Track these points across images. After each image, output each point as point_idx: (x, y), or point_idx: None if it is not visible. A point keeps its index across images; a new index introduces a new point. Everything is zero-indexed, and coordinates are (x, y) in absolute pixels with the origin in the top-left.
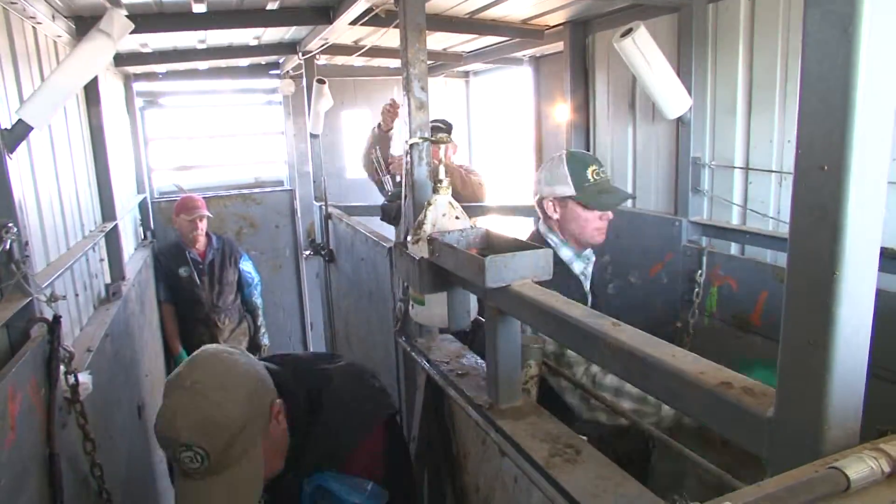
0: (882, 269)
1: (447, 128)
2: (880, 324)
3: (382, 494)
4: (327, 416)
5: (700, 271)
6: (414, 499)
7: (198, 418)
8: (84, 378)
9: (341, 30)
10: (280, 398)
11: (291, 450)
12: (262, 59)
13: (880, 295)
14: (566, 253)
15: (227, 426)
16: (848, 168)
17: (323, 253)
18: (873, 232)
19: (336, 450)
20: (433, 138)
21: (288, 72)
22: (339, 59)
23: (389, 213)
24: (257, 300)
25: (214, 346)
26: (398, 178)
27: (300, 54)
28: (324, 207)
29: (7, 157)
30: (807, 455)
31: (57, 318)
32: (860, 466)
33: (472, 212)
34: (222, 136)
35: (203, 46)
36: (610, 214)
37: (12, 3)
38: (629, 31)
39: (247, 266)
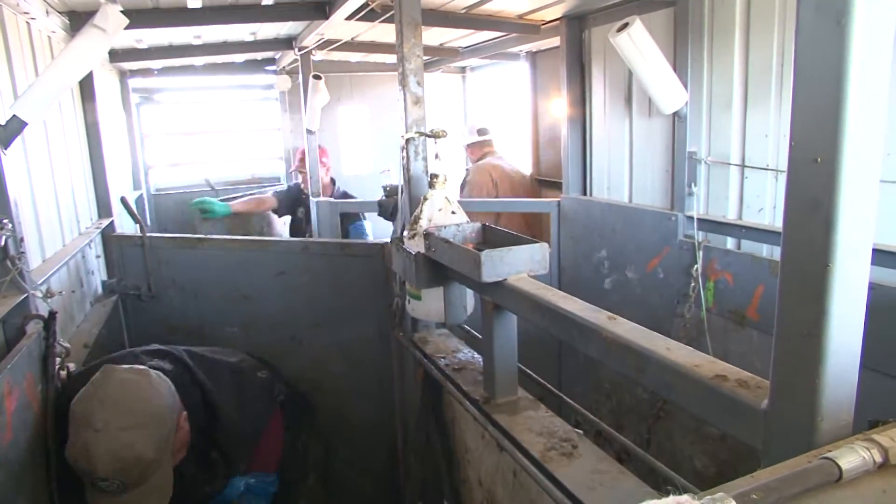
0: (875, 263)
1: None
2: (874, 317)
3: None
4: (225, 423)
5: (696, 266)
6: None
7: (112, 457)
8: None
9: (337, 25)
10: (184, 410)
11: (200, 456)
12: (258, 55)
13: (874, 289)
14: None
15: (141, 460)
16: (841, 160)
17: None
18: (866, 224)
19: (241, 452)
20: (428, 133)
21: (284, 67)
22: (336, 55)
23: (386, 209)
24: None
25: (119, 371)
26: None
27: (296, 50)
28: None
29: (2, 153)
30: (801, 446)
31: (52, 314)
32: (852, 457)
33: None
34: (219, 132)
35: (199, 42)
36: None
37: None
38: (625, 25)
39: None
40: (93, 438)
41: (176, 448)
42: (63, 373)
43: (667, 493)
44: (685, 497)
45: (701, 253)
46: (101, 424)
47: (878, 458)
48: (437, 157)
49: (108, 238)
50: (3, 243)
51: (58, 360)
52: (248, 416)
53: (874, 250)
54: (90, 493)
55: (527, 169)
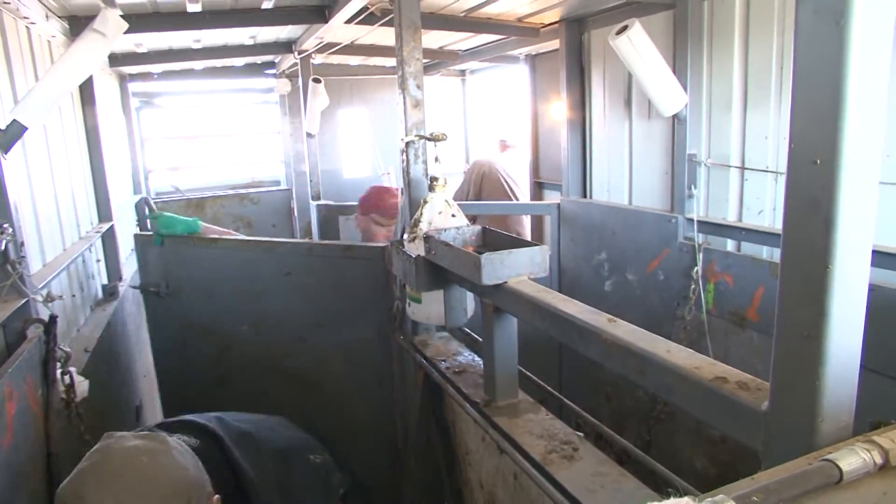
0: (875, 264)
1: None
2: (874, 319)
3: None
4: None
5: (697, 268)
6: None
7: None
8: (79, 379)
9: (337, 28)
10: (215, 494)
11: None
12: (258, 59)
13: (874, 290)
14: None
15: None
16: (840, 162)
17: None
18: (866, 225)
19: None
20: (428, 136)
21: (284, 71)
22: (335, 59)
23: None
24: None
25: (124, 439)
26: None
27: (296, 53)
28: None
29: (2, 158)
30: (801, 448)
31: (53, 319)
32: (853, 459)
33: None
34: (218, 135)
35: (198, 46)
36: None
37: (6, 3)
38: (625, 28)
39: None
40: None
41: None
42: (66, 378)
43: (667, 496)
44: (685, 499)
45: (701, 255)
46: None
47: (879, 460)
48: (436, 160)
49: (137, 238)
50: (3, 248)
51: (58, 364)
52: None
53: (874, 252)
54: None
55: (523, 171)
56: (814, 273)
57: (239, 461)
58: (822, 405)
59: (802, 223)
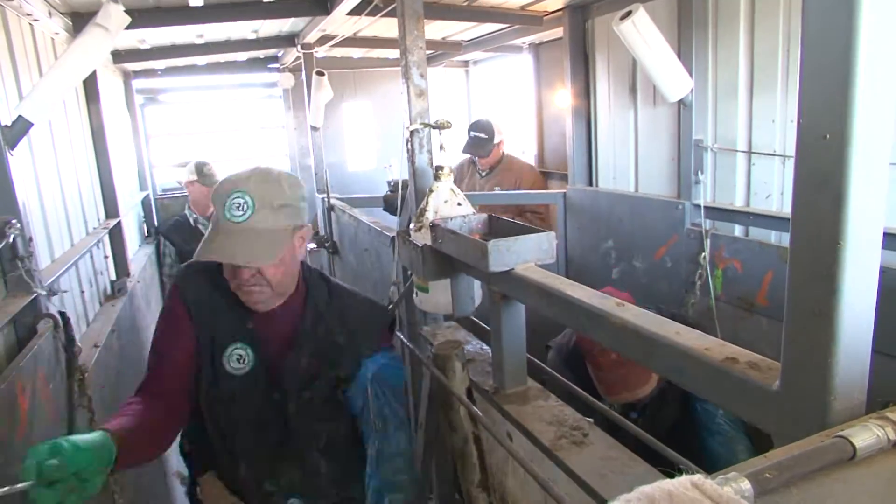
0: (886, 246)
1: (489, 135)
2: (884, 301)
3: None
4: (350, 304)
5: (704, 254)
6: None
7: (260, 180)
8: (90, 374)
9: (339, 20)
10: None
11: (327, 342)
12: (261, 53)
13: (884, 272)
14: None
15: (278, 192)
16: (850, 136)
17: (327, 245)
18: (876, 200)
19: (368, 333)
20: (433, 124)
21: (287, 65)
22: (339, 52)
23: (392, 204)
24: None
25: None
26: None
27: (299, 47)
28: (326, 200)
29: (8, 154)
30: (813, 426)
31: (65, 317)
32: (866, 435)
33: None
34: (223, 131)
35: (201, 41)
36: None
37: (9, 0)
38: (629, 13)
39: None
40: (248, 171)
41: (291, 262)
42: (77, 372)
43: (679, 471)
44: (697, 476)
45: (709, 241)
46: (250, 172)
47: (893, 436)
48: (441, 148)
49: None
50: (11, 243)
51: (69, 358)
52: (372, 305)
53: (885, 234)
54: (213, 228)
55: (531, 160)
56: (824, 249)
57: (327, 275)
58: (834, 383)
59: (812, 199)
